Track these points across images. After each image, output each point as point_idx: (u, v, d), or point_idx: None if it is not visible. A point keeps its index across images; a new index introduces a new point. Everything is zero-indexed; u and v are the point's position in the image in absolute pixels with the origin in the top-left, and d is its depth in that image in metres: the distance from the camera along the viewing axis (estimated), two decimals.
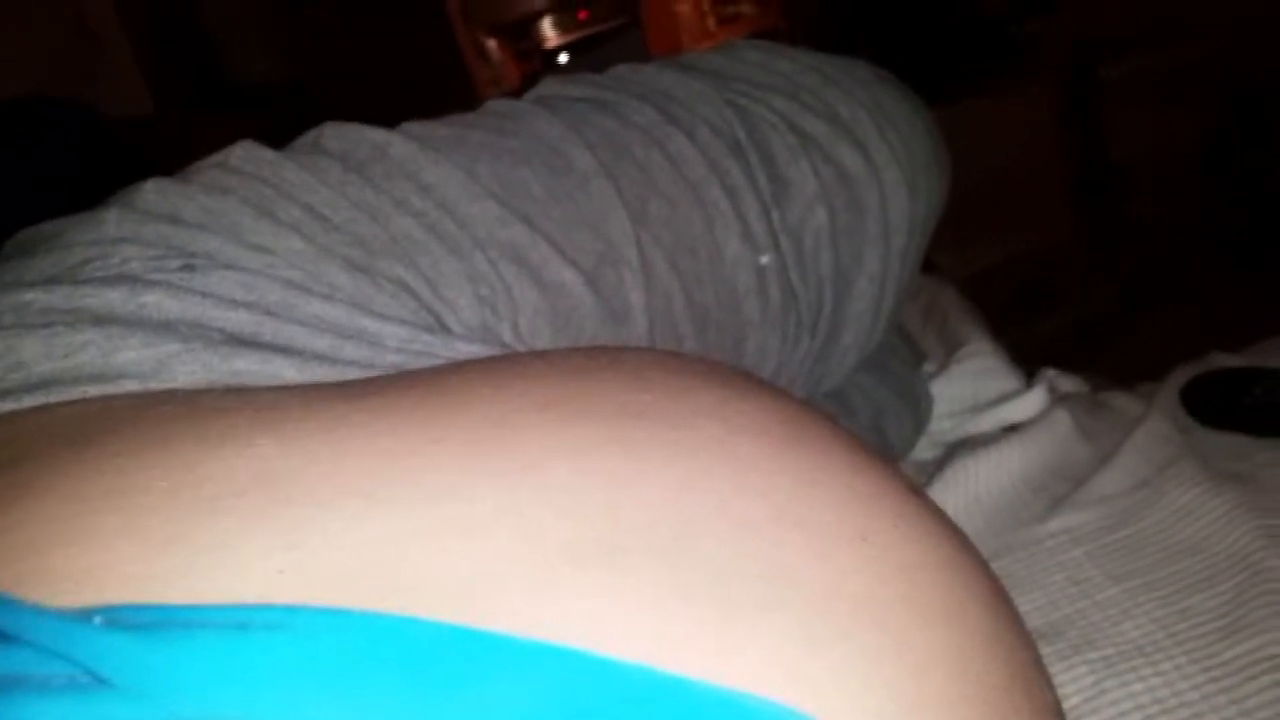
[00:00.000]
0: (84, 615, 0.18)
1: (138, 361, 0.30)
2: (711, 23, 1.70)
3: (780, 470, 0.25)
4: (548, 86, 0.53)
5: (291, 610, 0.18)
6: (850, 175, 0.53)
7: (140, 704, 0.16)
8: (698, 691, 0.19)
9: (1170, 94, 1.65)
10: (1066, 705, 0.49)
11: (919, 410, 0.70)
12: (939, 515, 0.28)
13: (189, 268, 0.34)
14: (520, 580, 0.20)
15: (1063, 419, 0.69)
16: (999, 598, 0.28)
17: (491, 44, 1.62)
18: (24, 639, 0.17)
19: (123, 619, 0.18)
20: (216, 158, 0.41)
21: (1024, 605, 0.56)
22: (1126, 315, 1.43)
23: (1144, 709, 0.48)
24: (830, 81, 0.56)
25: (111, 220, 0.36)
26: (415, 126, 0.46)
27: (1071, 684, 0.51)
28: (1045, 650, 0.52)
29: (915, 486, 0.29)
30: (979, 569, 0.28)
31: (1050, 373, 0.74)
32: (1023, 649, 0.27)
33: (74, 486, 0.22)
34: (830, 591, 0.21)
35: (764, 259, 0.51)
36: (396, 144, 0.43)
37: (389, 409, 0.25)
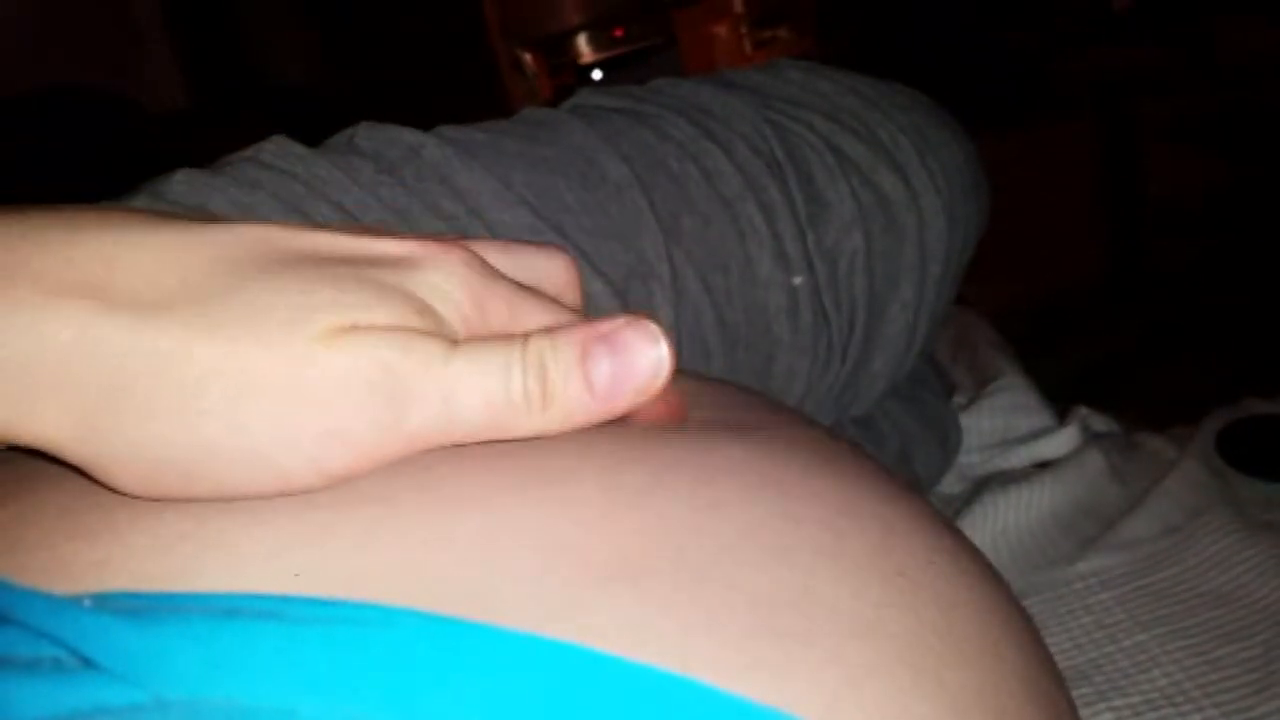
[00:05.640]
0: (74, 599, 0.18)
1: None
2: (748, 46, 1.69)
3: (813, 498, 0.24)
4: (585, 97, 0.53)
5: (285, 599, 0.18)
6: (889, 200, 0.52)
7: (125, 686, 0.16)
8: (725, 702, 0.18)
9: (1210, 137, 1.63)
10: None
11: (948, 441, 0.69)
12: (974, 553, 0.28)
13: None
14: (541, 595, 0.19)
15: (1095, 459, 0.67)
16: (1034, 640, 0.27)
17: (527, 58, 1.62)
18: (15, 620, 0.17)
19: (113, 604, 0.18)
20: (248, 152, 0.40)
21: (1049, 647, 0.55)
22: (1146, 359, 1.41)
23: None
24: (871, 104, 0.55)
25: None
26: (450, 130, 0.45)
27: None
28: None
29: (949, 522, 0.28)
30: (1014, 610, 0.27)
31: (1083, 411, 0.73)
32: (1058, 693, 0.26)
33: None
34: (864, 626, 0.21)
35: (797, 280, 0.50)
36: (430, 146, 0.43)
37: None
